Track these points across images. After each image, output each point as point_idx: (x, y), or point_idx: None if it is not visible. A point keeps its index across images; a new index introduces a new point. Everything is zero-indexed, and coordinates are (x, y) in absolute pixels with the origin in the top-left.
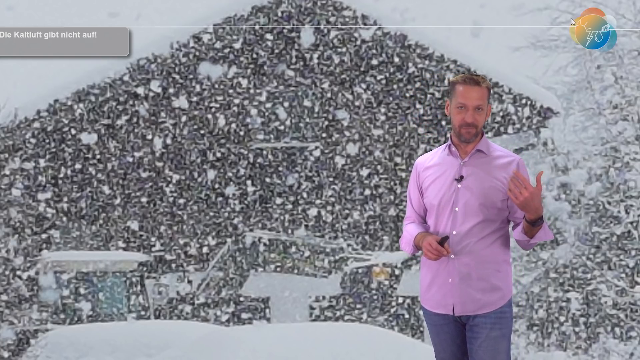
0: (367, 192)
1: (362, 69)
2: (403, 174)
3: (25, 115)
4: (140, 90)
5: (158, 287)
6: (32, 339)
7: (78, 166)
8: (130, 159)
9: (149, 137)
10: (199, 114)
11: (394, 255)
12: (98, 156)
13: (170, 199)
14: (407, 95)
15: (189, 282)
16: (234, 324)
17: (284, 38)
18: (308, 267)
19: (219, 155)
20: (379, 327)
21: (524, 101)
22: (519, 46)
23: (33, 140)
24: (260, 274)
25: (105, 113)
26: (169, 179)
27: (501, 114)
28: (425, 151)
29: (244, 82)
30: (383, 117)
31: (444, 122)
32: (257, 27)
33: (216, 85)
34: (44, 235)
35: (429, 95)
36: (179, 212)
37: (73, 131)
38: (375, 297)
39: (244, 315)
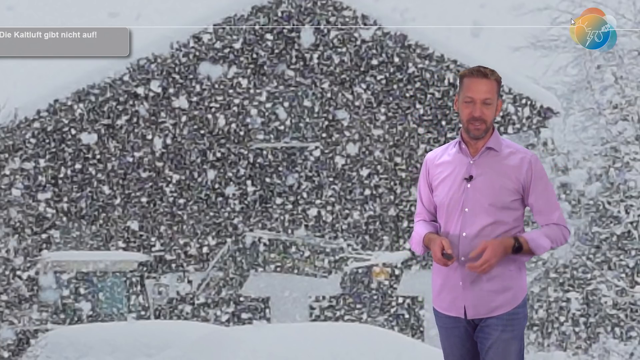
0: (367, 192)
1: (362, 69)
2: (403, 174)
3: (25, 115)
4: (140, 90)
5: (158, 287)
6: (32, 339)
7: (78, 166)
8: (130, 159)
9: (149, 137)
10: (199, 114)
11: (394, 255)
12: (98, 156)
13: (170, 199)
14: (407, 95)
15: (189, 282)
16: (234, 324)
17: (284, 38)
18: (308, 267)
19: (219, 155)
20: (379, 327)
21: (524, 101)
22: (519, 46)
23: (33, 140)
24: (260, 274)
25: (105, 113)
26: (169, 179)
27: (501, 114)
28: (425, 151)
29: (244, 82)
30: (383, 117)
31: (444, 122)
32: (257, 27)
33: (216, 85)
34: (44, 235)
35: (429, 95)
36: (179, 212)
37: (73, 131)
38: (375, 297)
39: (244, 315)
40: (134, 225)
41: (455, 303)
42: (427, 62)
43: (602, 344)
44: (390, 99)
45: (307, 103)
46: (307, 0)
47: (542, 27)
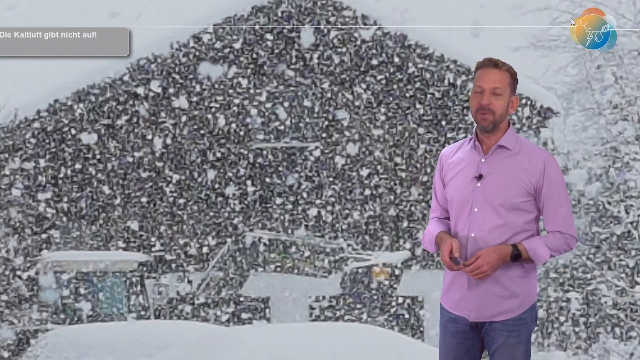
0: (367, 192)
1: (362, 69)
2: (403, 174)
3: (25, 115)
4: (140, 90)
5: (158, 287)
6: (32, 339)
7: (78, 166)
8: (130, 159)
9: (149, 137)
10: (199, 114)
11: (394, 255)
12: (98, 156)
13: (170, 199)
14: (407, 95)
15: (189, 282)
16: (234, 324)
17: (284, 38)
18: (308, 267)
19: (219, 155)
20: (379, 327)
21: (524, 101)
22: (519, 46)
23: (33, 140)
24: (260, 274)
25: (105, 113)
26: (169, 179)
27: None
28: (425, 151)
29: (244, 82)
30: (383, 117)
31: (444, 122)
32: (257, 27)
33: (216, 85)
34: (44, 235)
35: (429, 95)
36: (179, 212)
37: (73, 131)
38: (375, 297)
39: (244, 315)
40: (134, 225)
41: (460, 303)
42: (427, 62)
43: (602, 344)
44: (390, 99)
45: (307, 103)
46: (307, 0)
47: (542, 27)
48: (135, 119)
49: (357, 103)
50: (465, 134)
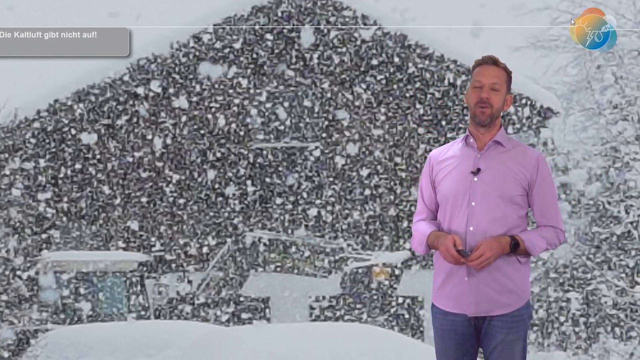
0: (367, 192)
1: (362, 69)
2: (403, 174)
3: (25, 115)
4: (140, 90)
5: (158, 287)
6: (32, 339)
7: (78, 166)
8: (130, 159)
9: (149, 137)
10: (199, 114)
11: (394, 255)
12: (98, 156)
13: (170, 199)
14: (407, 95)
15: (189, 282)
16: (234, 324)
17: (284, 38)
18: (308, 267)
19: (219, 155)
20: (379, 327)
21: (524, 101)
22: (519, 46)
23: (33, 140)
24: (260, 274)
25: (105, 113)
26: (169, 179)
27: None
28: (425, 151)
29: (244, 82)
30: (383, 117)
31: (444, 122)
32: (257, 27)
33: (216, 85)
34: (44, 235)
35: (429, 95)
36: (179, 212)
37: (73, 131)
38: (375, 297)
39: (244, 315)
40: (134, 225)
41: (459, 299)
42: (427, 62)
43: (602, 344)
44: (390, 99)
45: (307, 103)
46: (307, 0)
47: (542, 27)
48: (135, 119)
49: (357, 103)
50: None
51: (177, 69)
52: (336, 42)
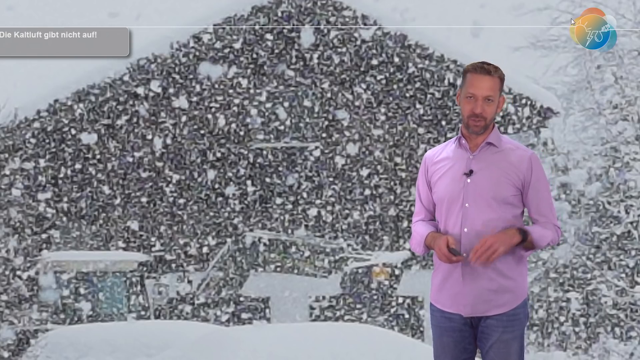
0: (367, 192)
1: (362, 69)
2: (403, 174)
3: (25, 115)
4: (140, 90)
5: (158, 287)
6: (32, 339)
7: (78, 166)
8: (130, 159)
9: (149, 137)
10: (199, 114)
11: (394, 255)
12: (98, 156)
13: (170, 199)
14: (407, 95)
15: (189, 282)
16: (234, 324)
17: (284, 38)
18: (308, 267)
19: (219, 155)
20: (379, 327)
21: (524, 101)
22: (519, 46)
23: (33, 140)
24: (260, 274)
25: (105, 113)
26: (169, 179)
27: (501, 114)
28: (425, 151)
29: (244, 82)
30: (383, 117)
31: (444, 122)
32: (257, 27)
33: (216, 85)
34: (44, 235)
35: (429, 95)
36: (179, 212)
37: (73, 131)
38: (375, 297)
39: (244, 315)
40: (134, 225)
41: (455, 299)
42: (427, 62)
43: (602, 344)
44: (390, 99)
45: (307, 103)
46: (307, 0)
47: (542, 27)
48: (135, 119)
49: (357, 103)
50: None
51: (177, 69)
52: (336, 42)
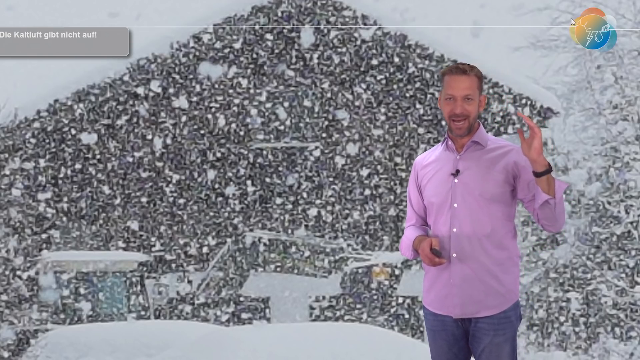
0: (367, 192)
1: (362, 69)
2: (403, 174)
3: (25, 115)
4: (140, 90)
5: (158, 287)
6: (32, 339)
7: (78, 166)
8: (130, 159)
9: (149, 137)
10: (199, 114)
11: (394, 255)
12: (98, 156)
13: (170, 199)
14: (407, 95)
15: (189, 282)
16: (234, 324)
17: (284, 38)
18: (308, 267)
19: (219, 155)
20: (379, 327)
21: (524, 101)
22: (519, 46)
23: (33, 140)
24: (260, 274)
25: (105, 113)
26: (169, 179)
27: (501, 114)
28: (425, 151)
29: (244, 82)
30: (383, 117)
31: (443, 122)
32: (257, 27)
33: (216, 85)
34: (44, 235)
35: (429, 95)
36: (179, 212)
37: (73, 131)
38: (375, 297)
39: (244, 315)
40: (134, 225)
41: (445, 301)
42: (427, 62)
43: (602, 344)
44: (390, 99)
45: (307, 103)
46: (307, 0)
47: (542, 27)
48: (135, 119)
49: (357, 103)
50: None
51: (177, 69)
52: (336, 42)
